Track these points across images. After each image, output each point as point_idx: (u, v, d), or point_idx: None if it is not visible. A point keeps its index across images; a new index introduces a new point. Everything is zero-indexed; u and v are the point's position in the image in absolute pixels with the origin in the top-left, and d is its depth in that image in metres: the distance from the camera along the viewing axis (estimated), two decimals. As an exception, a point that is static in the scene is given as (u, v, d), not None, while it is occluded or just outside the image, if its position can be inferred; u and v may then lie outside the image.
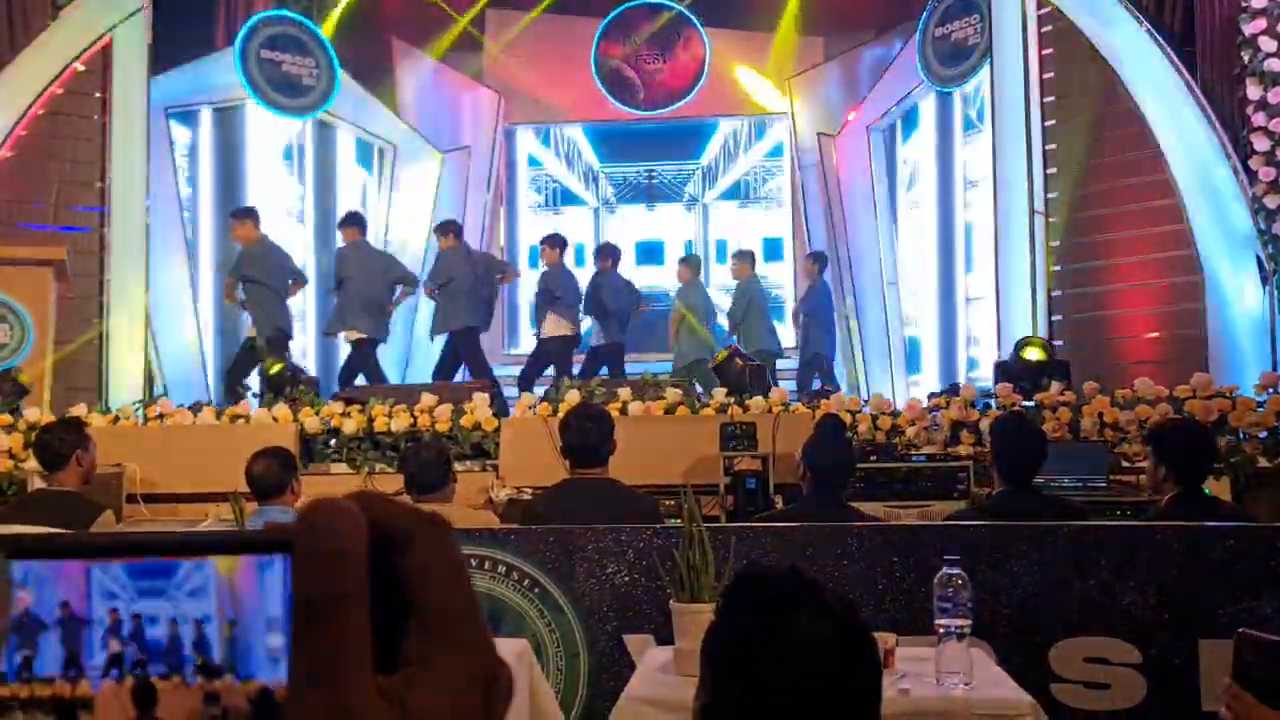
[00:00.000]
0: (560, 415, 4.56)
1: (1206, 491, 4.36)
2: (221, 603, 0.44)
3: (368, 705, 0.41)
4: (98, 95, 8.76)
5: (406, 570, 0.44)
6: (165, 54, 9.17)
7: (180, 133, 9.91)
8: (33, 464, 5.23)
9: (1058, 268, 8.34)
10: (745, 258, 10.04)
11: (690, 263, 10.17)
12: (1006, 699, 2.55)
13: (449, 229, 9.31)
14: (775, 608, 1.35)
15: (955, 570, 2.64)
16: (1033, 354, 6.87)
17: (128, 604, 0.44)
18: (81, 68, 8.69)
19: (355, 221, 9.24)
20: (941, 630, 2.60)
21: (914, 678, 2.61)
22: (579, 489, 4.17)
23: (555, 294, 9.43)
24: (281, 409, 6.47)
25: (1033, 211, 8.34)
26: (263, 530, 0.44)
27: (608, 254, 9.86)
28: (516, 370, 9.89)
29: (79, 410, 6.38)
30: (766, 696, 1.32)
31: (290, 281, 8.97)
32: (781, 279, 11.98)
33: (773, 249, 12.07)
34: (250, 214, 8.89)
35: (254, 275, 8.64)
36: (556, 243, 9.65)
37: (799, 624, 1.33)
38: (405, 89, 11.81)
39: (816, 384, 9.29)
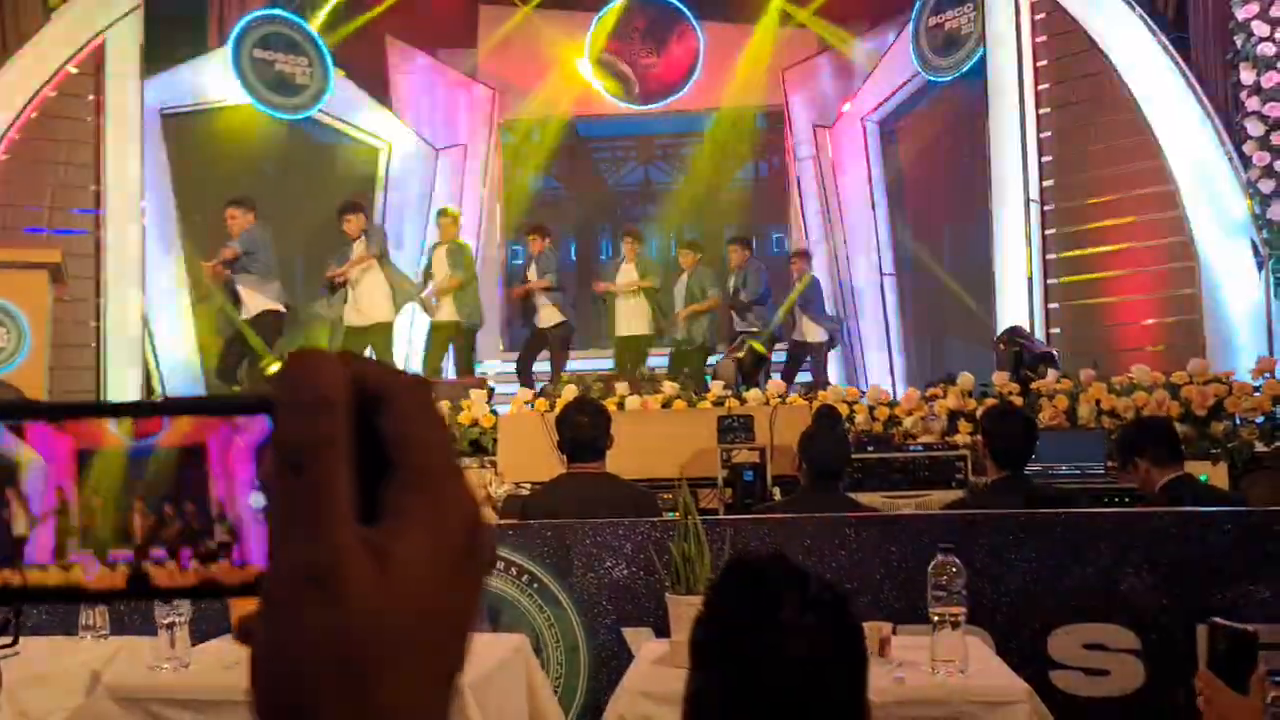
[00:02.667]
0: (557, 410, 4.55)
1: (1204, 479, 4.36)
2: (215, 486, 0.43)
3: (350, 552, 0.40)
4: (91, 97, 8.75)
5: (388, 425, 0.43)
6: (158, 55, 9.16)
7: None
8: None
9: (1053, 255, 8.34)
10: (745, 246, 9.96)
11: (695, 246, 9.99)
12: (1001, 686, 2.55)
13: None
14: (761, 595, 1.36)
15: (949, 558, 2.64)
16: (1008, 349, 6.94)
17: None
18: (74, 70, 8.67)
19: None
20: (936, 618, 2.60)
21: (910, 666, 2.62)
22: (577, 484, 4.16)
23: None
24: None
25: (1028, 199, 8.34)
26: (245, 393, 0.44)
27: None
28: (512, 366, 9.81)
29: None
30: (752, 683, 1.33)
31: None
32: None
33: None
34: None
35: None
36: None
37: (784, 611, 1.33)
38: (400, 87, 11.79)
39: (808, 376, 9.25)
